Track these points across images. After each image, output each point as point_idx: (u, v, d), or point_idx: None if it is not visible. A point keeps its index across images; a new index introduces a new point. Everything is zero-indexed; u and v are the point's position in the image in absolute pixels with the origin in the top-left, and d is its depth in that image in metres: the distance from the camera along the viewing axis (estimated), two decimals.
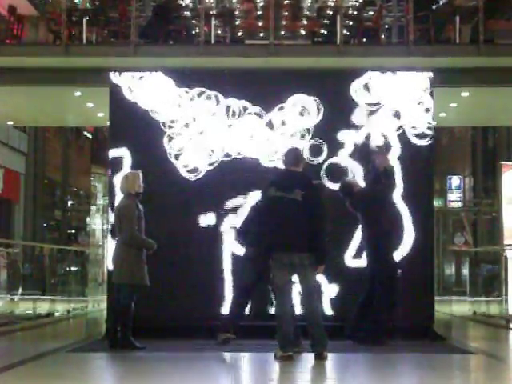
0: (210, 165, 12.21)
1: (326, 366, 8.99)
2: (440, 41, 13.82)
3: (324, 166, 12.09)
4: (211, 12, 14.67)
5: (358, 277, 11.42)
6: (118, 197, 11.25)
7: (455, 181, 30.59)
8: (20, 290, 15.97)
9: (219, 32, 15.16)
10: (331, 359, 9.21)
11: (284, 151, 10.06)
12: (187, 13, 15.61)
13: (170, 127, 12.28)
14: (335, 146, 12.16)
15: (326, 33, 15.42)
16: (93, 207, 33.89)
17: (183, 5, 16.06)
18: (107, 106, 12.46)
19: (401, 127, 12.22)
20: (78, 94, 14.23)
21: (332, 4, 15.95)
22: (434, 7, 14.20)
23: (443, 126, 21.34)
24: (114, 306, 10.81)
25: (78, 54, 13.20)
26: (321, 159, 12.15)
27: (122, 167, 12.07)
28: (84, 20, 13.93)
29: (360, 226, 11.26)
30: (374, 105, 12.27)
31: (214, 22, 14.23)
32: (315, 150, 12.15)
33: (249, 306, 10.95)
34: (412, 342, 11.05)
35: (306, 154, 12.01)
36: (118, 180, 11.54)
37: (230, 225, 11.89)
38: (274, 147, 12.09)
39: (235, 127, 12.25)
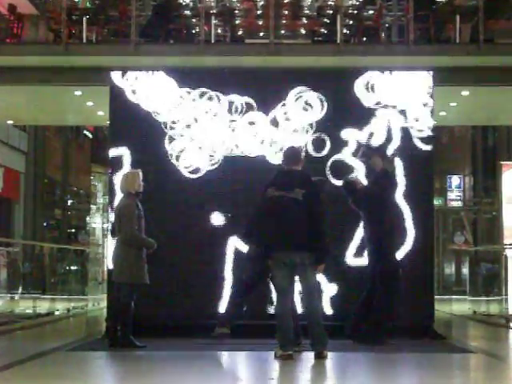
0: (212, 164, 12.18)
1: (325, 365, 8.99)
2: (440, 40, 13.83)
3: (328, 163, 12.07)
4: (211, 11, 14.67)
5: (359, 276, 11.42)
6: (118, 196, 11.25)
7: (455, 180, 30.59)
8: (20, 289, 15.98)
9: (219, 31, 15.16)
10: (331, 358, 9.21)
11: (283, 150, 10.06)
12: (187, 12, 15.61)
13: (171, 128, 12.25)
14: (338, 144, 12.13)
15: (326, 32, 15.43)
16: (93, 206, 33.89)
17: (183, 4, 16.05)
18: (107, 105, 12.45)
19: (401, 126, 12.21)
20: (78, 93, 14.23)
21: (332, 3, 15.93)
22: (434, 7, 14.20)
23: (443, 125, 21.34)
24: (114, 304, 10.81)
25: (78, 53, 13.20)
26: (324, 153, 12.13)
27: (122, 166, 12.06)
28: (84, 19, 13.94)
29: (362, 225, 11.25)
30: (375, 104, 12.25)
31: (214, 21, 14.24)
32: (318, 145, 12.13)
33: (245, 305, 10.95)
34: (412, 342, 11.06)
35: (310, 149, 12.02)
36: (118, 179, 11.54)
37: (232, 225, 11.90)
38: (278, 144, 12.05)
39: (238, 125, 12.21)
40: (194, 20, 15.07)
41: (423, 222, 12.05)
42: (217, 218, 11.99)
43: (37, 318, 15.13)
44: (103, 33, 14.70)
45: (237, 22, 16.00)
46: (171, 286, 11.83)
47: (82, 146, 33.34)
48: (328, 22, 15.31)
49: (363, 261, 11.53)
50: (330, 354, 9.21)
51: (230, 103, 12.25)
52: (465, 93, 14.00)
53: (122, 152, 12.15)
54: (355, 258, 11.87)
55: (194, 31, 14.92)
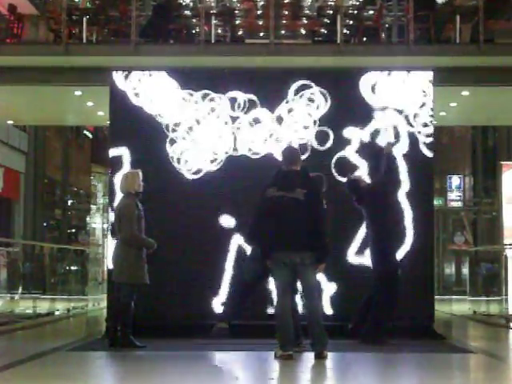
0: (213, 164, 12.17)
1: (325, 365, 8.98)
2: (440, 40, 13.83)
3: (333, 159, 12.06)
4: (211, 11, 14.68)
5: (359, 275, 11.44)
6: (118, 196, 11.24)
7: (455, 180, 30.59)
8: (20, 289, 15.97)
9: (219, 31, 15.18)
10: (331, 358, 9.21)
11: (281, 150, 10.07)
12: (187, 12, 15.62)
13: (172, 129, 12.23)
14: (342, 141, 12.11)
15: (326, 32, 15.44)
16: (93, 206, 33.90)
17: (183, 4, 16.06)
18: (107, 105, 12.45)
19: (400, 127, 12.20)
20: (78, 93, 14.24)
21: (332, 3, 15.94)
22: (436, 5, 14.21)
23: (443, 125, 21.36)
24: (114, 304, 10.81)
25: (78, 53, 13.21)
26: (328, 146, 12.11)
27: (122, 166, 12.06)
28: (84, 19, 13.95)
29: (365, 223, 11.23)
30: (374, 104, 12.24)
31: (214, 21, 14.24)
32: (322, 138, 12.12)
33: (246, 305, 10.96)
34: (412, 342, 11.05)
35: (314, 144, 12.02)
36: (118, 179, 11.53)
37: (234, 225, 11.90)
38: (282, 142, 12.03)
39: (242, 123, 12.19)
40: (194, 20, 15.08)
41: (423, 222, 12.05)
42: (218, 218, 11.98)
43: (37, 318, 15.13)
44: (103, 33, 14.71)
45: (237, 22, 16.02)
46: (171, 286, 11.83)
47: (82, 146, 33.35)
48: (328, 22, 15.33)
49: (364, 260, 11.56)
50: (330, 354, 9.21)
51: (233, 100, 12.21)
52: (465, 93, 14.00)
53: (122, 152, 12.15)
54: (356, 257, 11.87)
55: (194, 31, 14.93)
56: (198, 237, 11.95)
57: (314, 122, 12.19)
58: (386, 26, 15.12)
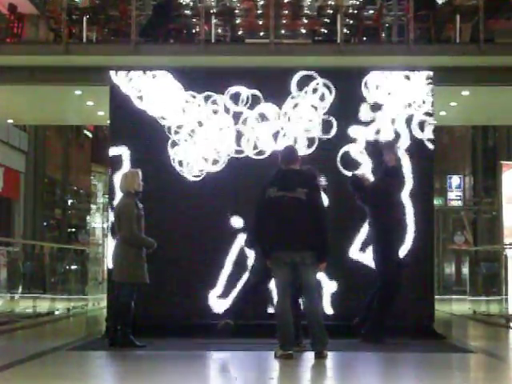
0: (214, 163, 12.15)
1: (326, 364, 8.98)
2: (440, 40, 13.83)
3: (339, 154, 12.05)
4: (211, 11, 14.68)
5: (360, 275, 11.44)
6: (118, 195, 11.24)
7: (455, 180, 30.59)
8: (20, 289, 15.98)
9: (219, 31, 15.18)
10: (331, 358, 9.21)
11: (279, 150, 10.05)
12: (187, 11, 15.62)
13: (174, 131, 12.20)
14: (346, 139, 12.10)
15: (326, 32, 15.44)
16: (93, 206, 33.89)
17: (183, 3, 16.06)
18: (107, 104, 12.45)
19: (400, 126, 12.20)
20: (78, 92, 14.24)
21: (332, 3, 15.95)
22: (436, 5, 14.21)
23: (443, 124, 21.35)
24: (114, 304, 10.81)
25: (79, 52, 13.21)
26: (331, 134, 12.09)
27: (122, 166, 12.06)
28: (84, 18, 13.95)
29: (368, 222, 11.22)
30: (375, 104, 12.24)
31: (214, 21, 14.24)
32: (327, 127, 12.10)
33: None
34: (412, 341, 11.05)
35: (319, 131, 11.99)
36: (117, 178, 11.53)
37: (235, 225, 11.90)
38: (289, 139, 12.00)
39: (246, 120, 12.16)
40: (194, 20, 15.08)
41: (423, 221, 12.05)
42: (218, 219, 11.97)
43: (37, 317, 15.13)
44: (103, 32, 14.71)
45: (237, 21, 16.02)
46: (171, 286, 11.83)
47: (82, 145, 33.34)
48: (328, 21, 15.33)
49: (365, 259, 11.57)
50: (330, 354, 9.21)
51: (236, 95, 12.16)
52: (465, 93, 14.00)
53: (122, 151, 12.15)
54: (357, 256, 11.86)
55: (194, 31, 14.93)
56: (199, 236, 11.94)
57: (320, 114, 12.13)
58: (386, 25, 15.13)
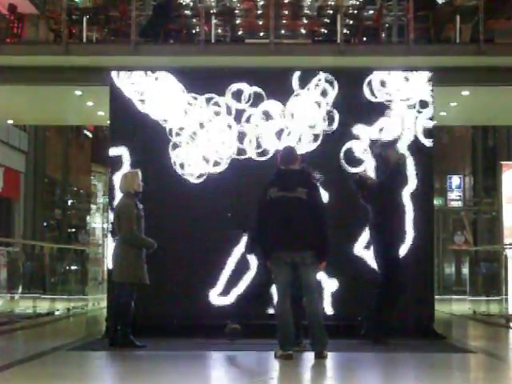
0: (216, 164, 12.13)
1: (325, 365, 8.98)
2: (440, 40, 13.84)
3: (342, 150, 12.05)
4: (211, 11, 14.70)
5: (361, 275, 11.44)
6: (118, 196, 11.24)
7: (455, 180, 30.59)
8: (20, 289, 15.98)
9: (219, 31, 15.19)
10: (331, 358, 9.21)
11: (278, 151, 10.05)
12: (187, 12, 15.64)
13: (174, 131, 12.19)
14: (349, 137, 12.10)
15: (326, 32, 15.46)
16: (93, 206, 33.89)
17: (183, 4, 16.08)
18: (107, 104, 12.44)
19: (400, 126, 12.19)
20: (78, 92, 14.25)
21: (332, 3, 15.97)
22: (436, 5, 14.23)
23: (443, 125, 21.36)
24: (114, 304, 10.81)
25: (79, 52, 13.22)
26: (334, 126, 12.09)
27: (122, 166, 12.05)
28: (84, 19, 13.96)
29: (370, 221, 11.20)
30: (376, 103, 12.23)
31: (214, 21, 14.25)
32: (329, 123, 12.10)
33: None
34: (412, 341, 11.04)
35: (322, 127, 11.99)
36: (117, 179, 11.52)
37: (233, 225, 11.89)
38: (293, 137, 11.99)
39: (248, 119, 12.15)
40: (194, 20, 15.10)
41: (423, 221, 12.04)
42: (219, 219, 11.96)
43: (37, 317, 15.13)
44: (103, 33, 14.73)
45: (237, 21, 16.03)
46: (171, 287, 11.83)
47: (82, 145, 33.34)
48: (328, 21, 15.35)
49: (366, 259, 11.56)
50: (330, 354, 9.21)
51: (239, 92, 12.15)
52: (465, 93, 14.01)
53: (122, 151, 12.14)
54: (360, 254, 11.85)
55: (194, 31, 14.94)
56: (199, 237, 11.93)
57: (323, 110, 12.11)
58: (386, 25, 15.14)
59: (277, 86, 12.15)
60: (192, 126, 12.18)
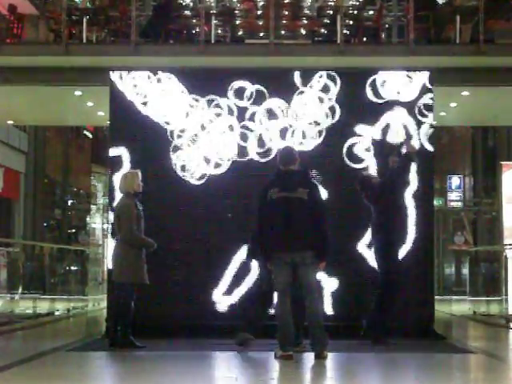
0: (217, 165, 12.11)
1: (325, 365, 8.98)
2: (440, 40, 13.84)
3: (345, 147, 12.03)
4: (211, 11, 14.70)
5: (361, 275, 11.44)
6: (118, 196, 11.23)
7: (455, 180, 30.59)
8: (20, 289, 15.98)
9: (219, 31, 15.19)
10: (331, 359, 9.21)
11: (278, 151, 10.04)
12: (187, 12, 15.64)
13: (175, 132, 12.17)
14: (351, 135, 12.08)
15: (326, 32, 15.46)
16: (93, 206, 33.87)
17: (183, 4, 16.08)
18: (107, 105, 12.44)
19: (400, 127, 12.18)
20: (78, 93, 14.25)
21: (332, 3, 15.96)
22: (436, 5, 14.23)
23: (443, 125, 21.36)
24: (114, 305, 10.81)
25: (78, 53, 13.22)
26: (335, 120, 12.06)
27: (122, 166, 12.04)
28: (84, 19, 13.96)
29: (372, 221, 11.20)
30: (376, 104, 12.22)
31: (214, 22, 14.25)
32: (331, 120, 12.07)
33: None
34: (412, 342, 11.05)
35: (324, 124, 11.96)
36: (117, 179, 11.51)
37: (233, 225, 11.88)
38: (298, 136, 11.96)
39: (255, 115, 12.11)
40: (194, 20, 15.10)
41: (423, 222, 12.04)
42: (220, 219, 11.95)
43: (37, 318, 15.13)
44: (103, 33, 14.73)
45: (237, 22, 16.03)
46: (171, 287, 11.82)
47: (82, 146, 33.35)
48: (328, 22, 15.35)
49: (366, 260, 11.56)
50: (330, 355, 9.21)
51: (241, 90, 12.09)
52: (465, 93, 14.01)
53: (122, 152, 12.13)
54: (362, 252, 11.84)
55: (194, 31, 14.94)
56: (200, 237, 11.93)
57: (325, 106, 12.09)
58: (386, 26, 15.14)
59: (279, 83, 12.12)
60: (193, 127, 12.16)
